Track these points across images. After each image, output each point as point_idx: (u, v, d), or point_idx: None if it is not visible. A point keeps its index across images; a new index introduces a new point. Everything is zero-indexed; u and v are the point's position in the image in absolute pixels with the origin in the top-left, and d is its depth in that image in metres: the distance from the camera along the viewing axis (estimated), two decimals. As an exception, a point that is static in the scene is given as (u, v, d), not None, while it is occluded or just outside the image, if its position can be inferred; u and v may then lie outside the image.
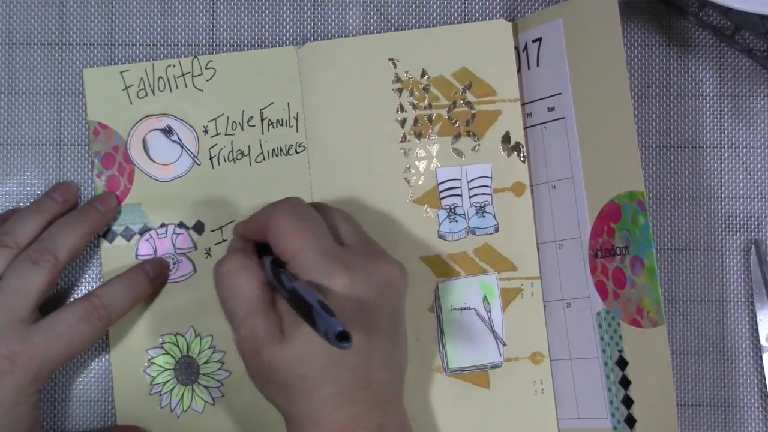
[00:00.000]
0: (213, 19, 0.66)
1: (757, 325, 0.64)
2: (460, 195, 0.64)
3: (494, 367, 0.63)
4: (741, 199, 0.65)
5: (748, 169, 0.65)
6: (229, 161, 0.64)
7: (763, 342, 0.64)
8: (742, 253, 0.65)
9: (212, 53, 0.65)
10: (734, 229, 0.65)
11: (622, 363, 0.60)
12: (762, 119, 0.65)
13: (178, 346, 0.63)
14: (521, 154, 0.64)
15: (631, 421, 0.59)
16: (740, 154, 0.65)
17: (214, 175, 0.64)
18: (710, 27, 0.65)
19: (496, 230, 0.64)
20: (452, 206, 0.64)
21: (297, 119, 0.64)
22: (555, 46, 0.62)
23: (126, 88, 0.64)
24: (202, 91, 0.64)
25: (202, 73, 0.64)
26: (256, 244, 0.58)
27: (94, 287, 0.62)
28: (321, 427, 0.53)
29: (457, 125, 0.64)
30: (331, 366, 0.52)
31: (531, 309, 0.64)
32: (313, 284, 0.53)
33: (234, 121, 0.64)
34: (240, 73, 0.64)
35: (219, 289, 0.56)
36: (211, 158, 0.64)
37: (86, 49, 0.65)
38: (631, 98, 0.58)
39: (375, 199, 0.64)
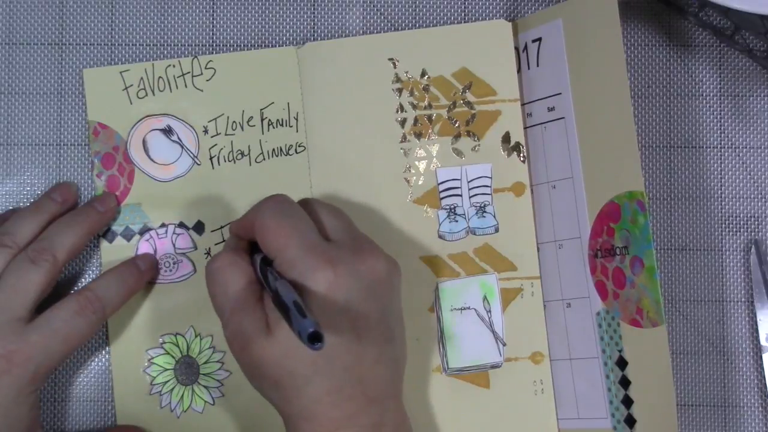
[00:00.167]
0: (213, 19, 0.66)
1: (757, 325, 0.64)
2: (460, 195, 0.64)
3: (494, 367, 0.63)
4: (741, 199, 0.65)
5: (748, 169, 0.65)
6: (229, 161, 0.64)
7: (763, 342, 0.64)
8: (742, 253, 0.65)
9: (212, 53, 0.65)
10: (734, 229, 0.65)
11: (621, 363, 0.59)
12: (762, 119, 0.65)
13: (178, 346, 0.63)
14: (521, 154, 0.64)
15: (630, 421, 0.59)
16: (740, 154, 0.65)
17: (214, 175, 0.64)
18: (710, 27, 0.65)
19: (496, 230, 0.64)
20: (452, 206, 0.64)
21: (297, 119, 0.64)
22: (555, 46, 0.62)
23: (126, 88, 0.64)
24: (202, 91, 0.64)
25: (202, 73, 0.64)
26: (251, 242, 0.58)
27: (93, 286, 0.62)
28: (316, 424, 0.53)
29: (457, 125, 0.64)
30: (320, 362, 0.52)
31: (531, 309, 0.64)
32: (296, 282, 0.53)
33: (234, 121, 0.64)
34: (240, 73, 0.64)
35: (209, 286, 0.56)
36: (211, 158, 0.64)
37: (86, 49, 0.65)
38: (630, 98, 0.58)
39: (375, 199, 0.64)
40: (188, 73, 0.64)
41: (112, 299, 0.60)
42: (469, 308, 0.64)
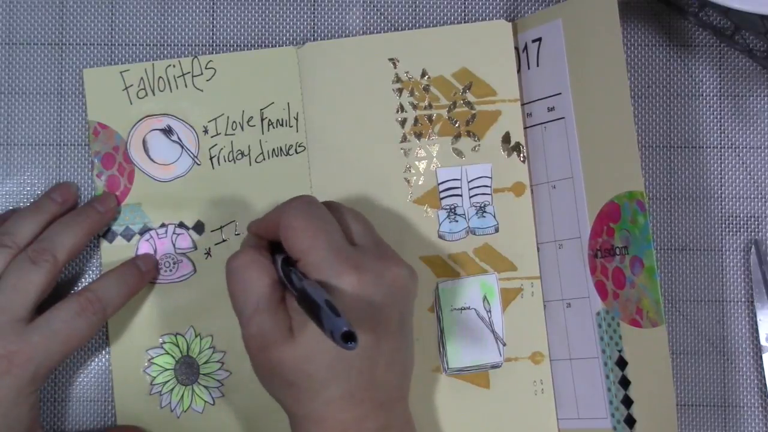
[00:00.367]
0: (213, 19, 0.66)
1: (757, 325, 0.64)
2: (460, 195, 0.64)
3: (494, 367, 0.63)
4: (741, 199, 0.65)
5: (748, 169, 0.65)
6: (229, 161, 0.64)
7: (763, 342, 0.64)
8: (742, 253, 0.65)
9: (212, 53, 0.65)
10: (734, 229, 0.65)
11: (621, 363, 0.60)
12: (762, 119, 0.65)
13: (178, 346, 0.63)
14: (521, 154, 0.64)
15: (630, 421, 0.59)
16: (740, 154, 0.65)
17: (214, 175, 0.64)
18: (710, 27, 0.65)
19: (496, 230, 0.64)
20: (452, 206, 0.64)
21: (297, 119, 0.64)
22: (555, 46, 0.62)
23: (126, 88, 0.64)
24: (202, 91, 0.64)
25: (202, 73, 0.64)
26: (271, 242, 0.58)
27: (92, 285, 0.62)
28: (325, 426, 0.53)
29: (457, 125, 0.64)
30: (338, 366, 0.52)
31: (531, 309, 0.64)
32: (322, 283, 0.53)
33: (234, 121, 0.64)
34: (240, 73, 0.64)
35: (229, 284, 0.55)
36: (211, 158, 0.64)
37: (86, 49, 0.65)
38: (630, 98, 0.58)
39: (375, 199, 0.64)
40: (188, 73, 0.64)
41: (112, 300, 0.60)
42: (469, 308, 0.64)
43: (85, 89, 0.64)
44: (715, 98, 0.65)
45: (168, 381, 0.63)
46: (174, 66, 0.64)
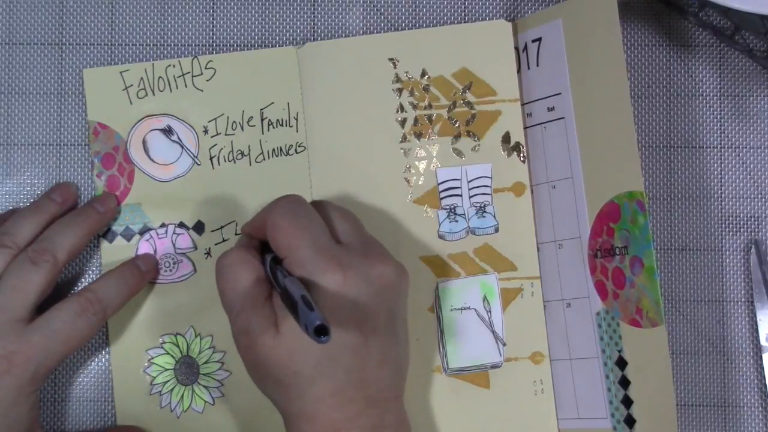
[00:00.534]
0: (213, 19, 0.66)
1: (757, 325, 0.64)
2: (460, 195, 0.64)
3: (494, 367, 0.63)
4: (741, 199, 0.65)
5: (748, 169, 0.65)
6: (229, 161, 0.64)
7: (763, 342, 0.64)
8: (742, 253, 0.65)
9: (212, 53, 0.65)
10: (734, 229, 0.65)
11: (621, 363, 0.59)
12: (762, 119, 0.65)
13: (178, 346, 0.63)
14: (521, 154, 0.64)
15: (630, 421, 0.59)
16: (740, 154, 0.65)
17: (214, 175, 0.64)
18: (710, 27, 0.65)
19: (496, 230, 0.64)
20: (452, 206, 0.64)
21: (297, 119, 0.64)
22: (555, 46, 0.62)
23: (126, 88, 0.64)
24: (202, 91, 0.64)
25: (202, 73, 0.64)
26: (262, 243, 0.58)
27: (92, 286, 0.62)
28: (316, 424, 0.53)
29: (457, 125, 0.64)
30: (324, 364, 0.53)
31: (531, 309, 0.64)
32: (307, 281, 0.53)
33: (234, 121, 0.64)
34: (240, 73, 0.64)
35: (218, 282, 0.56)
36: (211, 158, 0.64)
37: (86, 49, 0.65)
38: (630, 98, 0.58)
39: (375, 199, 0.64)
40: (188, 73, 0.64)
41: (112, 300, 0.60)
42: (469, 308, 0.64)
43: (85, 89, 0.64)
44: (715, 98, 0.65)
45: (168, 381, 0.63)
46: (174, 66, 0.64)
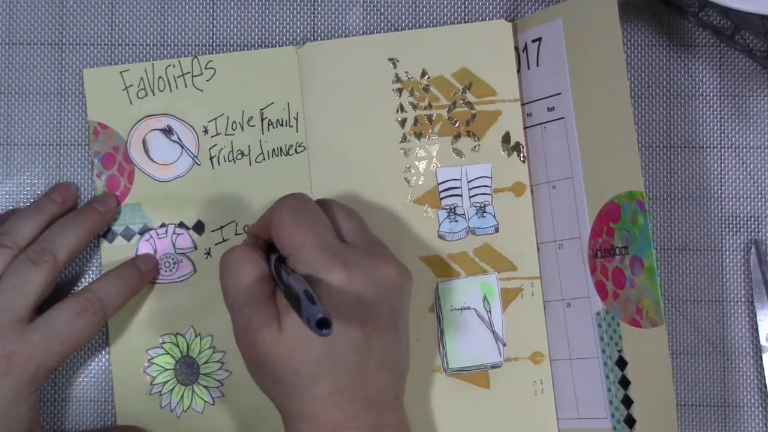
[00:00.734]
0: (213, 19, 0.66)
1: (757, 325, 0.64)
2: (460, 195, 0.64)
3: (494, 367, 0.63)
4: (741, 199, 0.65)
5: (748, 169, 0.65)
6: (229, 161, 0.64)
7: (763, 342, 0.64)
8: (742, 253, 0.65)
9: (212, 53, 0.65)
10: (734, 229, 0.65)
11: (621, 363, 0.60)
12: (762, 119, 0.65)
13: (178, 346, 0.63)
14: (521, 154, 0.64)
15: (630, 421, 0.59)
16: (740, 154, 0.65)
17: (214, 175, 0.64)
18: (710, 27, 0.65)
19: (496, 230, 0.64)
20: (452, 206, 0.64)
21: (297, 119, 0.64)
22: (555, 46, 0.62)
23: (126, 88, 0.64)
24: (202, 91, 0.64)
25: (202, 73, 0.64)
26: (269, 243, 0.58)
27: (92, 286, 0.62)
28: (315, 424, 0.53)
29: (457, 125, 0.64)
30: (325, 363, 0.52)
31: (531, 309, 0.64)
32: (311, 278, 0.53)
33: (234, 121, 0.64)
34: (240, 73, 0.64)
35: (222, 278, 0.56)
36: (211, 158, 0.64)
37: (86, 49, 0.65)
38: (630, 98, 0.58)
39: (375, 199, 0.64)
40: (188, 73, 0.64)
41: (112, 300, 0.60)
42: (469, 308, 0.64)
43: (85, 89, 0.64)
44: (715, 98, 0.65)
45: (168, 381, 0.63)
46: (174, 66, 0.64)
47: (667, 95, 0.65)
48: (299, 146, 0.64)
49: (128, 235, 0.63)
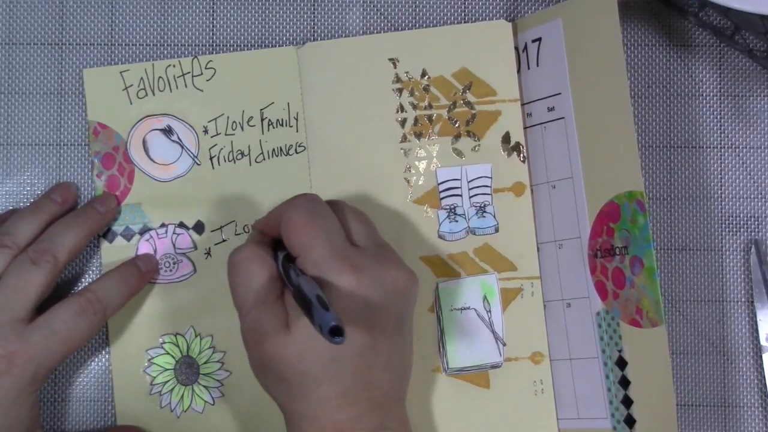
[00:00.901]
0: (213, 19, 0.66)
1: (757, 325, 0.64)
2: (460, 195, 0.64)
3: (494, 367, 0.63)
4: (741, 199, 0.65)
5: (748, 169, 0.65)
6: (229, 161, 0.64)
7: (763, 342, 0.64)
8: (742, 253, 0.65)
9: (212, 53, 0.65)
10: (734, 229, 0.65)
11: (621, 363, 0.60)
12: (762, 119, 0.65)
13: (178, 346, 0.63)
14: (521, 154, 0.64)
15: (630, 421, 0.59)
16: (740, 154, 0.65)
17: (214, 175, 0.64)
18: (710, 27, 0.65)
19: (496, 230, 0.64)
20: (452, 206, 0.64)
21: (297, 119, 0.64)
22: (555, 46, 0.62)
23: (126, 88, 0.64)
24: (202, 91, 0.64)
25: (202, 73, 0.64)
26: (275, 240, 0.58)
27: (92, 286, 0.62)
28: (318, 425, 0.53)
29: (457, 125, 0.64)
30: (332, 365, 0.52)
31: (531, 309, 0.64)
32: (320, 280, 0.53)
33: (234, 121, 0.64)
34: (240, 73, 0.64)
35: (230, 277, 0.56)
36: (211, 158, 0.64)
37: (86, 49, 0.65)
38: (630, 98, 0.58)
39: (375, 199, 0.64)
40: (188, 73, 0.64)
41: (112, 300, 0.60)
42: (469, 308, 0.64)
43: (85, 89, 0.64)
44: (715, 98, 0.65)
45: (168, 381, 0.63)
46: (174, 66, 0.64)
47: (667, 95, 0.65)
48: (299, 146, 0.64)
49: (128, 235, 0.63)
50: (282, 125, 0.64)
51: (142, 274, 0.62)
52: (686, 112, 0.65)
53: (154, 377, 0.63)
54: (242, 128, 0.64)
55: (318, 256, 0.53)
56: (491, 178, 0.64)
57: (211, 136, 0.64)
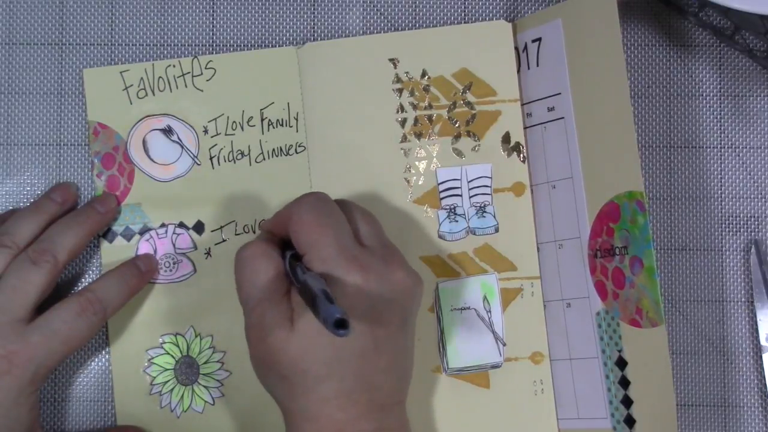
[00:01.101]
0: (213, 19, 0.66)
1: (757, 325, 0.64)
2: (460, 195, 0.64)
3: (494, 367, 0.63)
4: (741, 199, 0.65)
5: (748, 169, 0.65)
6: (229, 161, 0.64)
7: (763, 342, 0.64)
8: (742, 253, 0.65)
9: (212, 53, 0.65)
10: (734, 229, 0.65)
11: (621, 363, 0.60)
12: (762, 119, 0.65)
13: (178, 346, 0.63)
14: (521, 154, 0.64)
15: (630, 421, 0.59)
16: (740, 154, 0.65)
17: (214, 175, 0.64)
18: (710, 27, 0.65)
19: (496, 230, 0.64)
20: (452, 206, 0.64)
21: (297, 119, 0.64)
22: (554, 46, 0.62)
23: (126, 88, 0.64)
24: (202, 91, 0.64)
25: (202, 73, 0.64)
26: (283, 241, 0.58)
27: (92, 286, 0.62)
28: (318, 424, 0.53)
29: (457, 125, 0.64)
30: (334, 365, 0.52)
31: (531, 309, 0.64)
32: (326, 277, 0.53)
33: (234, 121, 0.64)
34: (240, 73, 0.64)
35: (237, 273, 0.56)
36: (211, 158, 0.64)
37: (86, 49, 0.65)
38: (630, 98, 0.58)
39: (375, 199, 0.64)
40: (188, 73, 0.64)
41: (112, 300, 0.60)
42: (469, 308, 0.64)
43: (85, 89, 0.64)
44: (715, 98, 0.65)
45: (168, 381, 0.63)
46: (174, 66, 0.64)
47: (667, 95, 0.65)
48: (299, 146, 0.64)
49: (128, 235, 0.63)
50: (282, 125, 0.64)
51: (142, 274, 0.62)
52: (686, 112, 0.65)
53: (154, 377, 0.63)
54: (242, 128, 0.64)
55: (325, 255, 0.53)
56: (491, 178, 0.64)
57: (211, 136, 0.64)
